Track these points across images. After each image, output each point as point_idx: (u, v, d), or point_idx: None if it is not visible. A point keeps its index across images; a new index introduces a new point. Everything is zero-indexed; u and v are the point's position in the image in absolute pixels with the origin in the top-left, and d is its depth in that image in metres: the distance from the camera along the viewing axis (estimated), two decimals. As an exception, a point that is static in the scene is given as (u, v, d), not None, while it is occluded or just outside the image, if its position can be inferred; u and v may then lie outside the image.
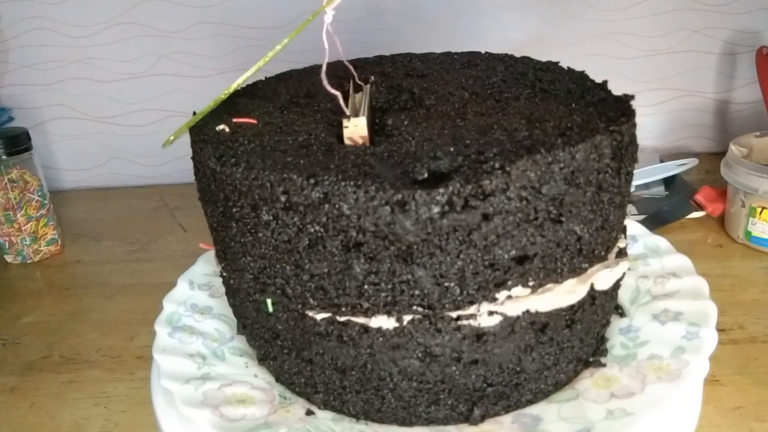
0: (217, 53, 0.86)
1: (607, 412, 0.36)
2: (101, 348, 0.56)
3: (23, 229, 0.71)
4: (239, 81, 0.40)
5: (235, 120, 0.41)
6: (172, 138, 0.40)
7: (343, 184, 0.31)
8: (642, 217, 0.69)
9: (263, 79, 0.50)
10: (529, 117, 0.38)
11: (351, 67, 0.43)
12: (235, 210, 0.36)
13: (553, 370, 0.39)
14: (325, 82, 0.36)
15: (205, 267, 0.53)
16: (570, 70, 0.46)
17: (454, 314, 0.34)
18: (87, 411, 0.49)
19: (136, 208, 0.85)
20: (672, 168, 0.76)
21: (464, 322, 0.35)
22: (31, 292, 0.67)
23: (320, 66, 0.37)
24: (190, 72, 0.87)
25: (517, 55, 0.50)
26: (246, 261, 0.37)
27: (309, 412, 0.39)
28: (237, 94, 0.45)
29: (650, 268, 0.48)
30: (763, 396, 0.45)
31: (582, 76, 0.44)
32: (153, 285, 0.64)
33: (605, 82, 0.42)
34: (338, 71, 0.44)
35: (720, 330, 0.41)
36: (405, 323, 0.35)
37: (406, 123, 0.39)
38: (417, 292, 0.34)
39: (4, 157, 0.67)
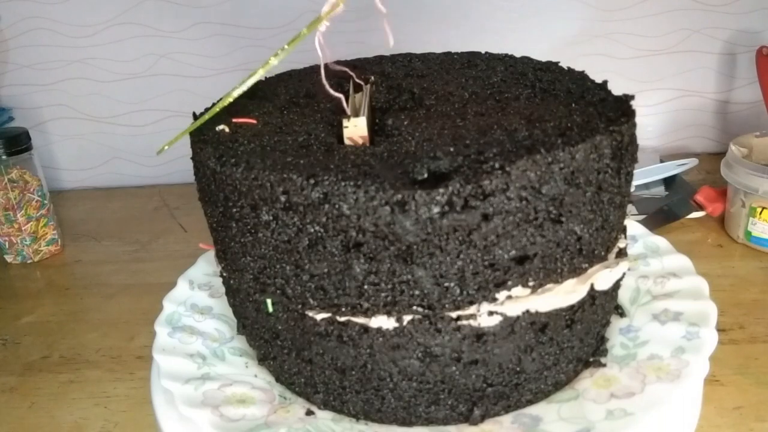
0: (217, 53, 0.86)
1: (607, 412, 0.36)
2: (101, 348, 0.56)
3: (23, 229, 0.71)
4: (232, 94, 0.38)
5: (235, 120, 0.41)
6: (166, 147, 0.40)
7: (343, 184, 0.31)
8: (642, 217, 0.69)
9: (263, 79, 0.50)
10: (529, 117, 0.38)
11: (346, 69, 0.43)
12: (235, 210, 0.36)
13: (553, 370, 0.39)
14: (326, 84, 0.36)
15: (205, 267, 0.53)
16: (570, 70, 0.45)
17: (454, 314, 0.34)
18: (87, 411, 0.49)
19: (136, 208, 0.85)
20: (672, 168, 0.76)
21: (464, 322, 0.35)
22: (31, 292, 0.67)
23: (320, 66, 0.37)
24: (190, 72, 0.87)
25: (517, 55, 0.50)
26: (246, 261, 0.37)
27: (309, 412, 0.39)
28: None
29: (650, 268, 0.48)
30: (763, 396, 0.45)
31: (582, 76, 0.44)
32: (153, 285, 0.64)
33: (605, 82, 0.42)
34: (338, 72, 0.44)
35: (720, 330, 0.41)
36: (405, 323, 0.35)
37: (406, 123, 0.39)
38: (417, 292, 0.34)
39: (4, 157, 0.67)
